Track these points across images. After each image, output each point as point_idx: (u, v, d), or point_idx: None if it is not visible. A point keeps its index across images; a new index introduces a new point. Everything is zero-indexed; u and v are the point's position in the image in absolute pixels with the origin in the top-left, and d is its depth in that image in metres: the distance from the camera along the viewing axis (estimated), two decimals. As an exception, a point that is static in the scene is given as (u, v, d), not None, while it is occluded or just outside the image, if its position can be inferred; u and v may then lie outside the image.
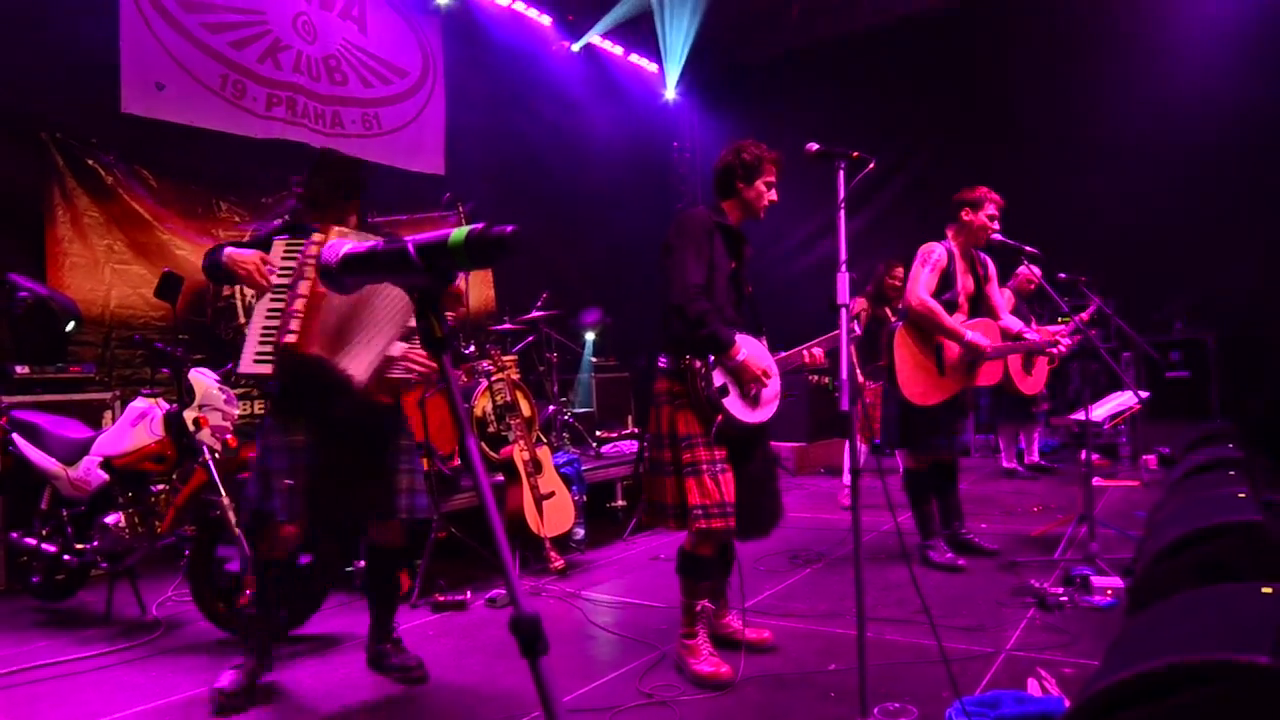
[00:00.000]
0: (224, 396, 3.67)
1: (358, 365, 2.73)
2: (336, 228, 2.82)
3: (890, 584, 3.96)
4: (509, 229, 0.89)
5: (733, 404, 2.90)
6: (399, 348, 2.84)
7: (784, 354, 3.17)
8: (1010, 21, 8.62)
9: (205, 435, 3.54)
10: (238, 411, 3.75)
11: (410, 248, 0.94)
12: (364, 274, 1.01)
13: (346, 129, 7.05)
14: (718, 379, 2.88)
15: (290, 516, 2.75)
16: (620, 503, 5.99)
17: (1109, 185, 8.02)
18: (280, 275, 2.76)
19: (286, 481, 2.75)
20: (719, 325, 2.86)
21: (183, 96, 6.00)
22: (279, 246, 2.80)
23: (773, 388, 3.03)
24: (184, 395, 3.61)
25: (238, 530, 3.39)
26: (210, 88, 6.17)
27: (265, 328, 2.71)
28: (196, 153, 6.07)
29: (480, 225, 0.90)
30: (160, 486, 3.77)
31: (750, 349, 2.93)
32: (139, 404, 3.78)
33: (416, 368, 2.84)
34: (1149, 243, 7.74)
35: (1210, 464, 4.38)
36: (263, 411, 6.02)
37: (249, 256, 2.72)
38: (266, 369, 2.67)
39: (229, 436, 3.68)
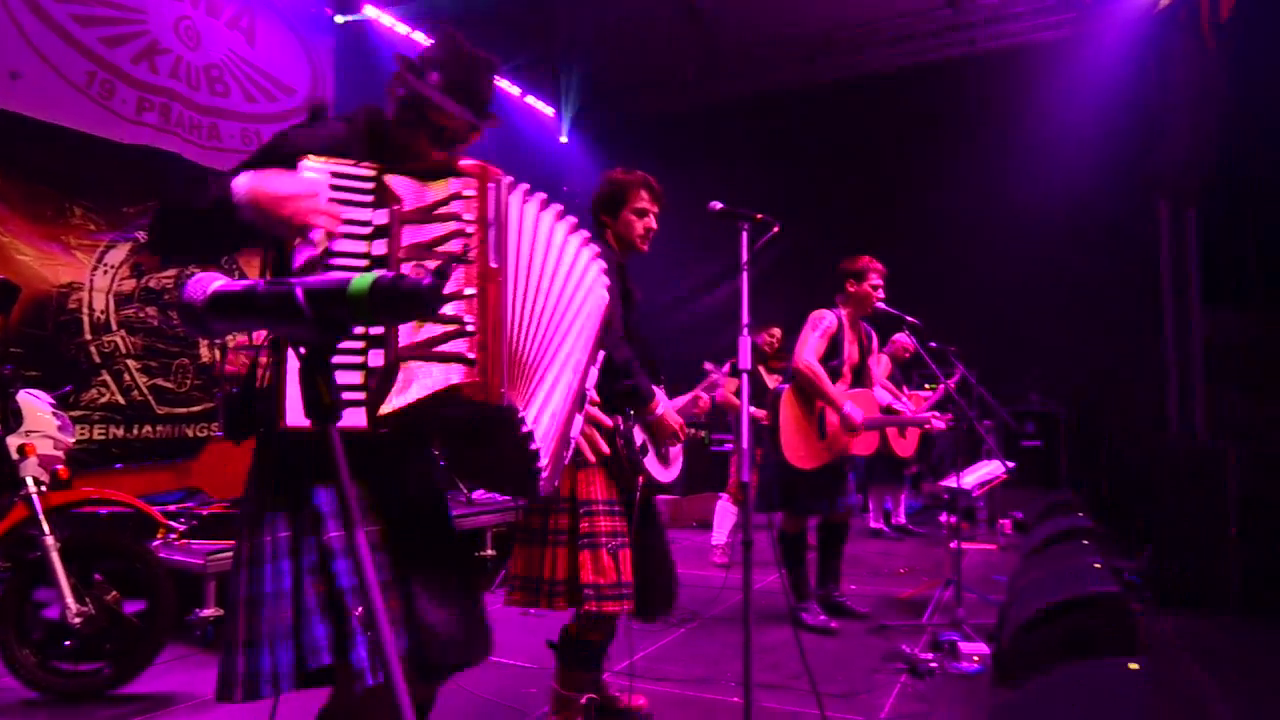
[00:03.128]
0: (57, 423, 3.31)
1: (548, 449, 1.65)
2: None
3: (765, 647, 3.91)
4: (425, 280, 0.76)
5: (651, 464, 2.69)
6: (578, 422, 1.85)
7: (680, 401, 3.05)
8: (894, 103, 9.04)
9: (31, 465, 3.16)
10: (72, 440, 3.39)
11: (298, 293, 0.79)
12: (236, 320, 0.84)
13: (224, 143, 6.66)
14: (636, 437, 2.65)
15: (384, 667, 1.38)
16: (490, 552, 5.76)
17: (974, 264, 8.46)
18: (343, 235, 1.50)
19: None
20: (643, 375, 2.64)
21: (41, 89, 5.51)
22: (316, 173, 1.50)
23: (679, 446, 2.88)
24: (8, 419, 3.22)
25: (61, 572, 3.04)
26: (74, 84, 5.71)
27: None
28: (51, 151, 5.57)
29: (389, 274, 0.77)
30: (-29, 520, 3.34)
31: (665, 402, 2.75)
32: (-47, 425, 3.36)
33: (599, 447, 2.03)
34: (1009, 319, 8.20)
35: (1064, 533, 4.59)
36: (100, 443, 5.51)
37: (303, 187, 1.45)
38: (351, 419, 1.41)
39: (60, 467, 3.31)
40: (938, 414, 4.52)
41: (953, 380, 6.02)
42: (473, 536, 5.72)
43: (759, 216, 2.47)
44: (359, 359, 1.45)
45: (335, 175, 1.51)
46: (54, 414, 3.31)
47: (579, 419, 1.86)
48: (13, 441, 3.18)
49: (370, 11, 7.84)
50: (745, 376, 2.30)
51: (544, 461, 1.62)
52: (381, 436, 1.48)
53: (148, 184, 5.85)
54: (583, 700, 2.71)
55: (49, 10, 5.57)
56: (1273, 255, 6.44)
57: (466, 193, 1.54)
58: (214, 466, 4.91)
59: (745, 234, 2.46)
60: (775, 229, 2.45)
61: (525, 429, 1.56)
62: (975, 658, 3.60)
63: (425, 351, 1.46)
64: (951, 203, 8.64)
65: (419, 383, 1.43)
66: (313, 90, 7.52)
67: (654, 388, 2.71)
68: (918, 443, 5.32)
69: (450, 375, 1.44)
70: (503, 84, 9.72)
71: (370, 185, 1.52)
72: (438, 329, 1.46)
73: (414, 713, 1.32)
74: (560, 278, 1.72)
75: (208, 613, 3.80)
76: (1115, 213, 7.90)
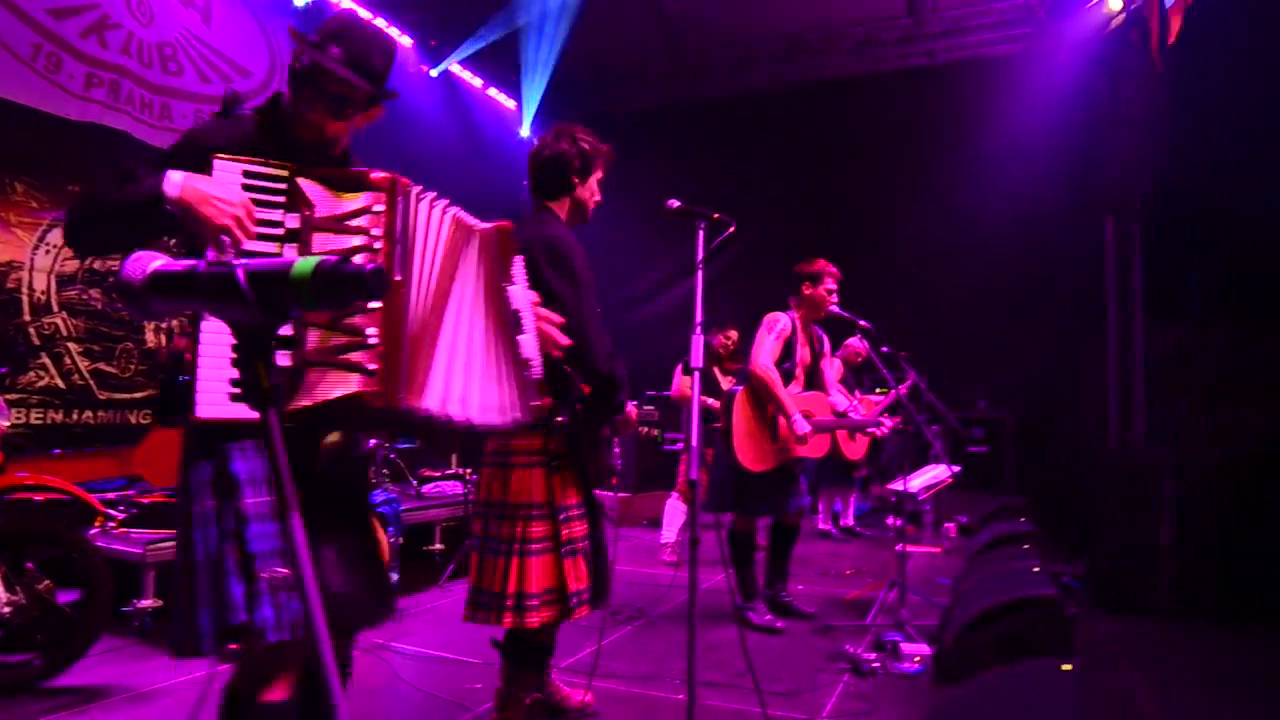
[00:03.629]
0: (-8, 405, 3.21)
1: (476, 402, 1.80)
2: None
3: (711, 645, 3.94)
4: (369, 266, 0.75)
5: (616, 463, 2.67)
6: (528, 344, 1.95)
7: None
8: (854, 109, 9.15)
9: (-38, 448, 3.06)
10: (7, 423, 3.29)
11: (240, 274, 0.78)
12: (176, 300, 0.83)
13: (176, 123, 6.50)
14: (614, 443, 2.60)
15: (292, 630, 1.63)
16: (438, 546, 5.72)
17: (927, 271, 8.61)
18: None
19: (280, 571, 1.65)
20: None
21: (-18, 62, 5.33)
22: (230, 176, 1.57)
23: None
24: (-59, 400, 3.12)
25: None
26: (19, 56, 5.52)
27: None
28: (-8, 125, 5.40)
29: (332, 258, 0.76)
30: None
31: None
32: (-119, 406, 3.24)
33: (558, 340, 2.04)
34: (959, 326, 8.36)
35: (1006, 538, 4.70)
36: (38, 427, 5.35)
37: (230, 196, 1.53)
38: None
39: (-7, 451, 3.21)
40: (886, 417, 4.58)
41: (904, 386, 6.13)
42: (421, 531, 5.66)
43: (715, 215, 2.48)
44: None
45: (247, 175, 1.56)
46: (-12, 396, 3.21)
47: (526, 340, 1.93)
48: (-57, 424, 3.08)
49: (331, -5, 7.71)
50: (697, 375, 2.30)
51: (465, 418, 1.74)
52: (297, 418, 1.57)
53: (94, 162, 5.69)
54: (527, 700, 2.66)
55: (-7, -21, 5.39)
56: (1212, 271, 6.66)
57: (376, 208, 1.59)
58: (156, 454, 4.79)
59: (701, 233, 2.47)
60: (731, 228, 2.46)
61: (424, 414, 1.65)
62: (917, 658, 3.66)
63: (330, 358, 1.55)
64: (906, 210, 8.77)
65: (322, 387, 1.54)
66: (271, 71, 7.38)
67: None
68: (868, 446, 5.41)
69: (351, 383, 1.54)
70: (464, 75, 9.63)
71: (283, 186, 1.57)
72: (343, 338, 1.55)
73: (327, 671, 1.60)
74: (451, 272, 1.79)
75: (146, 603, 3.71)
76: (1063, 225, 8.08)
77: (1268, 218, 5.99)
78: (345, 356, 1.54)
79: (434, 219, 1.72)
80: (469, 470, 6.67)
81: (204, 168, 1.55)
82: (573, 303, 2.42)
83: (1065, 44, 7.94)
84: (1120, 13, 7.28)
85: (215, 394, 1.47)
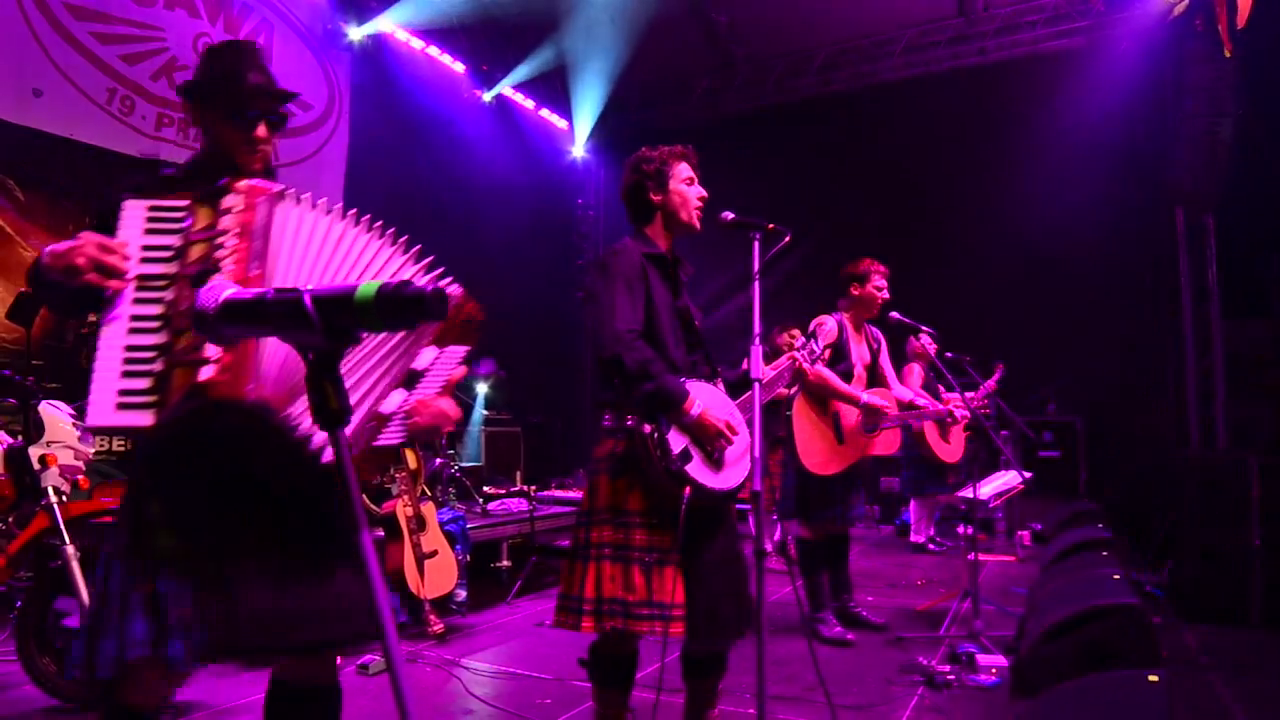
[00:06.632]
0: (77, 433, 3.35)
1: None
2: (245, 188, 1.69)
3: (779, 659, 3.89)
4: (429, 288, 0.78)
5: (698, 471, 2.40)
6: (394, 399, 1.76)
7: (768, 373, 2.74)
8: (908, 113, 9.03)
9: (52, 475, 3.19)
10: (92, 450, 3.43)
11: (307, 300, 0.81)
12: (247, 327, 0.86)
13: (241, 157, 6.74)
14: (676, 443, 2.38)
15: (197, 657, 1.62)
16: (505, 563, 5.77)
17: (989, 273, 8.41)
18: (149, 260, 1.62)
19: (188, 609, 1.62)
20: (667, 376, 2.39)
21: (63, 106, 5.61)
22: (136, 213, 1.65)
23: (740, 444, 2.51)
24: (31, 429, 3.27)
25: (80, 581, 3.07)
26: (95, 100, 5.80)
27: (133, 348, 1.56)
28: (72, 167, 5.66)
29: (395, 281, 0.78)
30: (-7, 530, 3.39)
31: (706, 398, 2.46)
32: (-24, 436, 3.41)
33: (427, 423, 1.78)
34: (1025, 329, 8.15)
35: (1083, 544, 4.55)
36: (120, 454, 5.56)
37: (78, 242, 1.57)
38: (142, 419, 1.51)
39: (80, 477, 3.35)
40: (958, 402, 4.47)
41: (991, 384, 5.96)
42: (489, 548, 5.72)
43: (770, 226, 2.47)
44: (151, 362, 1.56)
45: (151, 209, 1.66)
46: (74, 425, 3.35)
47: (396, 394, 1.77)
48: (34, 452, 3.22)
49: (386, 27, 7.92)
50: (758, 387, 2.28)
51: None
52: (226, 437, 1.66)
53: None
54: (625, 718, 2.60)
55: (70, 28, 5.67)
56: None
57: (236, 209, 1.67)
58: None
59: (757, 244, 2.45)
60: (786, 238, 2.44)
61: (301, 430, 1.58)
62: (993, 670, 3.57)
63: (184, 358, 1.54)
64: (967, 212, 8.61)
65: (176, 384, 1.53)
66: (330, 104, 7.60)
67: (687, 383, 2.44)
68: (964, 447, 5.27)
69: (205, 377, 1.51)
70: (516, 97, 9.79)
71: (184, 214, 1.67)
72: (198, 339, 1.55)
73: None
74: (334, 266, 1.79)
75: (224, 623, 3.81)
76: (1130, 221, 7.84)
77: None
78: (195, 355, 1.53)
79: (308, 218, 1.74)
80: (533, 487, 6.73)
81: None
82: (605, 296, 2.46)
83: (1125, 35, 7.74)
84: None
85: (105, 403, 1.50)
